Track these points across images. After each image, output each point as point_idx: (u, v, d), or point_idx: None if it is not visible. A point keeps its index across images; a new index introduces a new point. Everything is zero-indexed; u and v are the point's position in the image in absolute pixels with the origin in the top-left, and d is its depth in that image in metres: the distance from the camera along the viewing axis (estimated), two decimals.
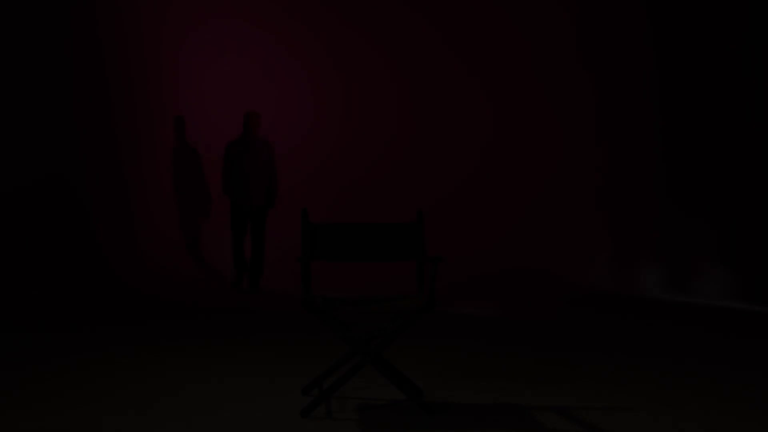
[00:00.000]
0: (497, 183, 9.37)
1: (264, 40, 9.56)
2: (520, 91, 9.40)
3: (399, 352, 5.28)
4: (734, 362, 5.07)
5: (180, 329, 6.33)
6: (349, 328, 4.04)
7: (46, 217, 8.07)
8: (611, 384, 4.49)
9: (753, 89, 8.65)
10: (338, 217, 8.79)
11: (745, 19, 8.67)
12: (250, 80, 9.41)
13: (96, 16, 8.82)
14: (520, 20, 9.44)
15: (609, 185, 9.22)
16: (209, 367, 4.92)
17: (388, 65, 9.57)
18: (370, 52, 9.58)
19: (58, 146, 8.41)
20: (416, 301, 4.06)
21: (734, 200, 8.74)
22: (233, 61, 9.49)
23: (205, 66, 9.47)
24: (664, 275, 8.75)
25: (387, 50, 9.56)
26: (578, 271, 8.89)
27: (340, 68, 9.57)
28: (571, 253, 9.05)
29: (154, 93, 9.27)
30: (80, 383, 4.46)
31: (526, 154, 9.39)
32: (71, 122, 8.57)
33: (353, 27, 9.60)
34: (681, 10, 8.94)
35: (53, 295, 7.43)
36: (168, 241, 9.08)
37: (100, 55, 8.85)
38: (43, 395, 4.20)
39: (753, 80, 8.67)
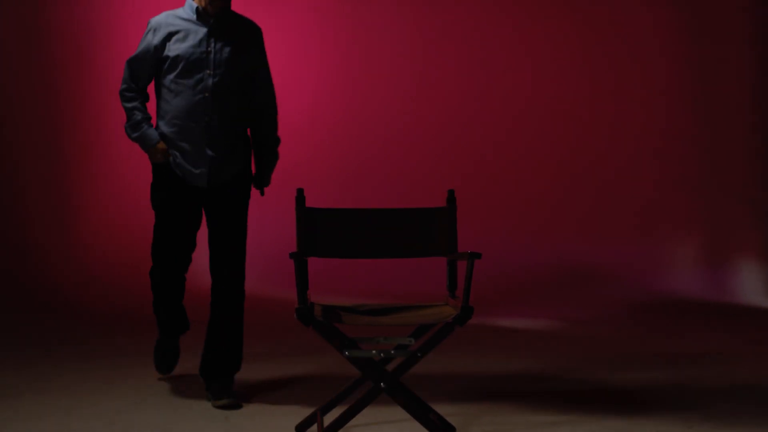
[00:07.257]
0: (549, 161, 9.35)
1: None
2: (594, 53, 9.37)
3: (424, 376, 5.22)
4: None
5: (133, 344, 6.25)
6: (359, 345, 4.01)
7: None
8: (702, 416, 4.43)
9: None
10: (344, 200, 8.78)
11: None
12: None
13: None
14: None
15: (696, 167, 9.21)
16: (173, 393, 4.84)
17: (408, 26, 9.54)
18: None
19: None
20: (447, 310, 4.05)
21: None
22: None
23: None
24: (765, 277, 8.71)
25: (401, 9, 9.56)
26: (655, 271, 8.85)
27: (354, 16, 9.55)
28: (645, 249, 9.03)
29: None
30: None
31: (592, 125, 9.36)
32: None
33: None
34: None
35: None
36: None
37: None
38: None
39: None
